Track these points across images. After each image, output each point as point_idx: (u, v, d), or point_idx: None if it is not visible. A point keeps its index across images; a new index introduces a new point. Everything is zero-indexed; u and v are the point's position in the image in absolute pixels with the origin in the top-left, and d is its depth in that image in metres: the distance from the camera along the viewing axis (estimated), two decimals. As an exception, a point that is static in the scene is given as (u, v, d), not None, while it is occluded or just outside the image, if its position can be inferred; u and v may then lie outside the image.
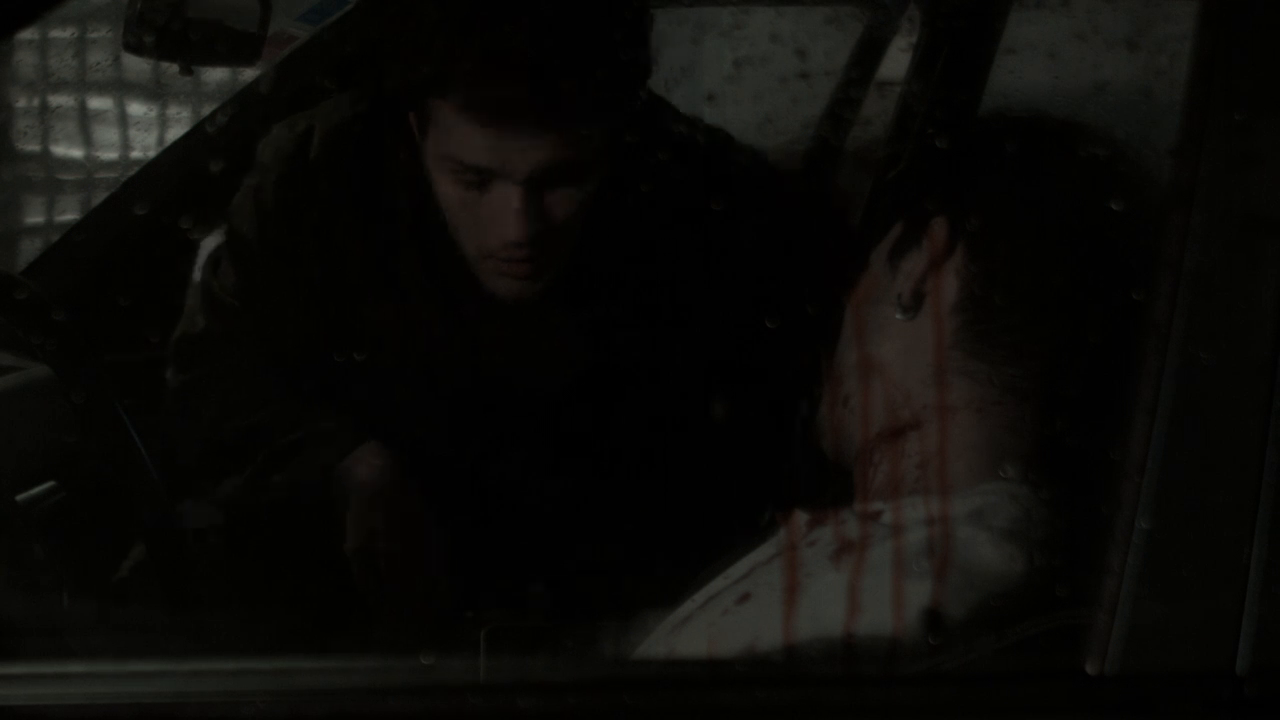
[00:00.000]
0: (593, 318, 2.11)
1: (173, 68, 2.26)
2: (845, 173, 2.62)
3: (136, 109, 4.45)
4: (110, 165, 4.44)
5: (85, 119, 4.51)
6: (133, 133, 4.43)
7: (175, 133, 4.16)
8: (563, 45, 1.90)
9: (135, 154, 4.46)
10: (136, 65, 4.15)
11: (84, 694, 1.32)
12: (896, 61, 2.64)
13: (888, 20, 2.65)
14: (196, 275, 2.33)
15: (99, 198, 2.68)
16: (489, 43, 1.88)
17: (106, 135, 4.48)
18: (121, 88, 4.45)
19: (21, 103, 4.56)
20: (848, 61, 2.61)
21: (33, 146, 4.53)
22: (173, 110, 4.40)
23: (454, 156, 1.95)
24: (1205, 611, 1.25)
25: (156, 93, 4.37)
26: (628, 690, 1.33)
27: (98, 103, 4.49)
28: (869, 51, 2.66)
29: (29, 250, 4.49)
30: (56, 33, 4.30)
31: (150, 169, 2.55)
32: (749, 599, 1.45)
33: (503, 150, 1.92)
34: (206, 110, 2.59)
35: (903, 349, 1.50)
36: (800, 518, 1.50)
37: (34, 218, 4.54)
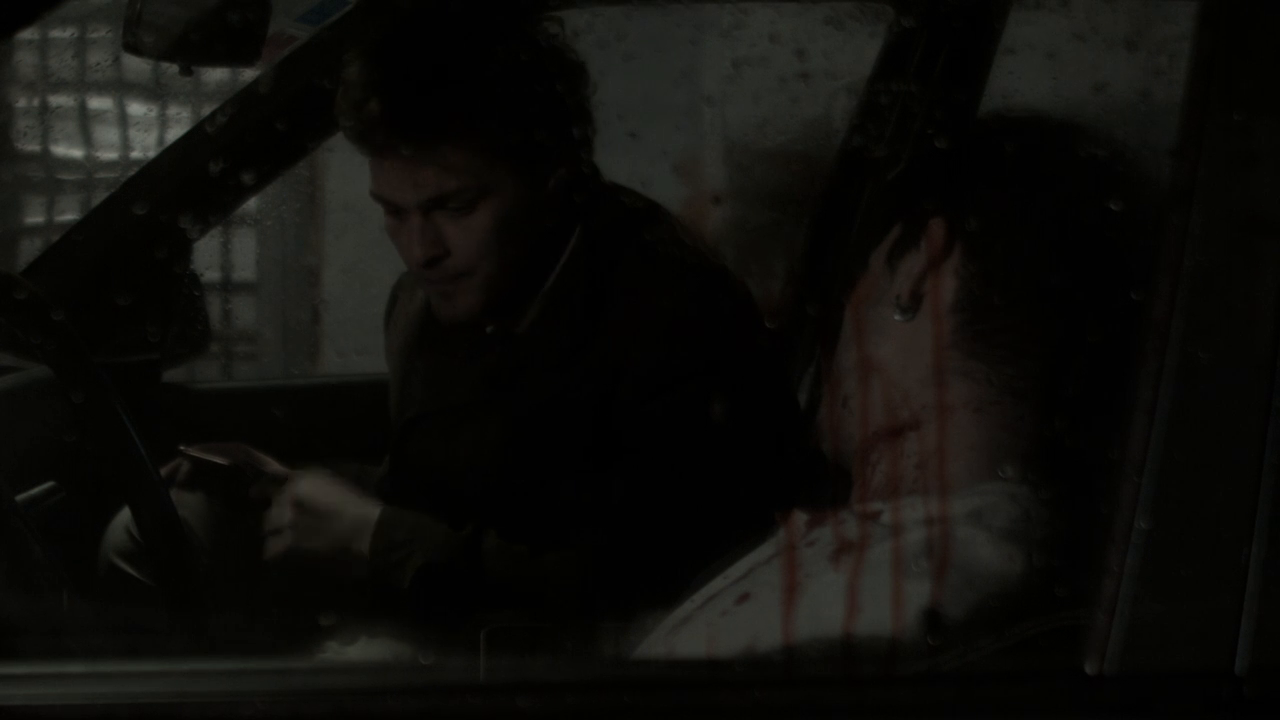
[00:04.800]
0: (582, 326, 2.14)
1: (173, 68, 2.26)
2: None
3: (136, 109, 4.45)
4: (110, 165, 4.43)
5: (85, 119, 4.50)
6: (133, 133, 4.43)
7: (175, 133, 4.15)
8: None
9: (135, 154, 4.46)
10: (136, 65, 4.15)
11: (84, 694, 1.32)
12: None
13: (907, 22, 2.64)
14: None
15: (99, 198, 2.68)
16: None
17: (106, 135, 4.48)
18: (121, 88, 4.45)
19: (21, 103, 4.56)
20: (874, 70, 2.60)
21: (33, 146, 4.53)
22: (173, 110, 4.40)
23: (372, 190, 2.15)
24: (1204, 611, 1.25)
25: (156, 93, 4.37)
26: (628, 690, 1.33)
27: (98, 103, 4.49)
28: (895, 56, 2.64)
29: (29, 250, 4.49)
30: (56, 33, 4.30)
31: (150, 169, 2.55)
32: (748, 599, 1.45)
33: (395, 182, 2.12)
34: (206, 110, 2.58)
35: (901, 349, 1.49)
36: (799, 518, 1.50)
37: (34, 218, 4.54)
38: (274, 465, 2.25)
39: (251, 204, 2.83)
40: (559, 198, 2.14)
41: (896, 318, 1.50)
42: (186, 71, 2.26)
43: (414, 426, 2.26)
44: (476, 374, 2.20)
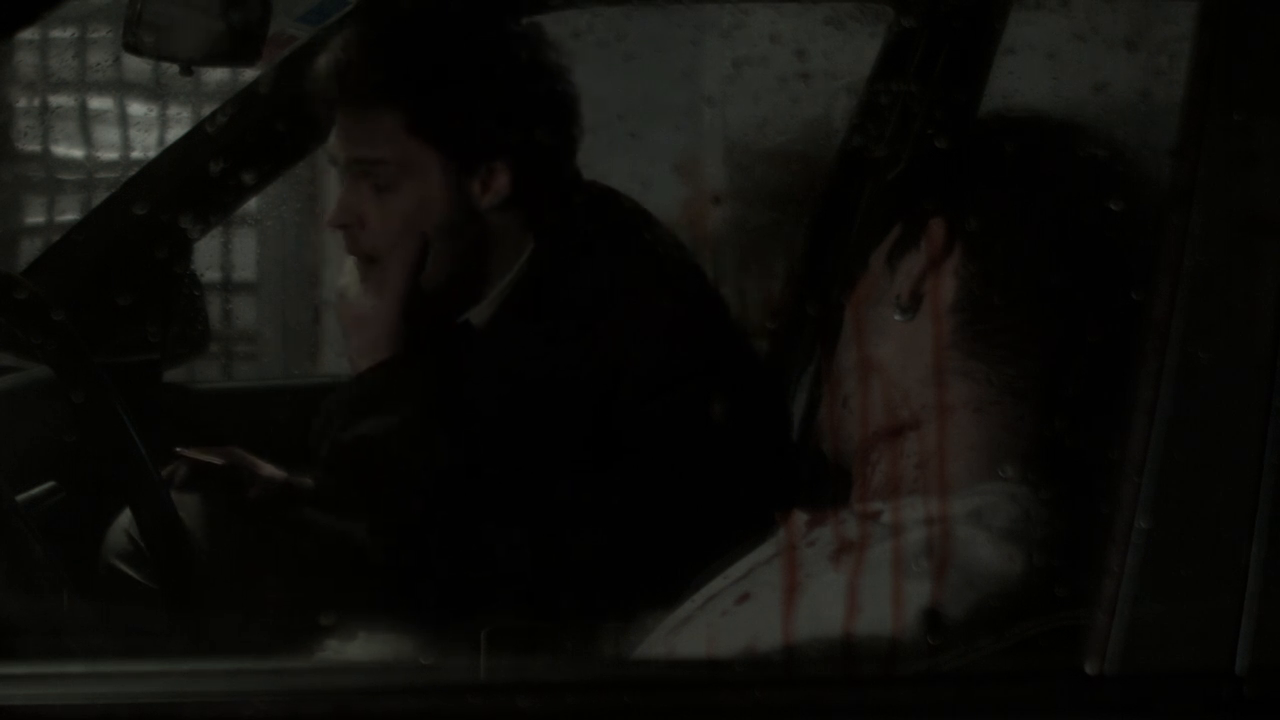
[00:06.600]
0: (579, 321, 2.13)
1: (173, 68, 2.26)
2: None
3: (136, 109, 4.45)
4: (110, 165, 4.43)
5: (85, 119, 4.50)
6: (133, 133, 4.42)
7: (175, 133, 4.15)
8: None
9: (135, 154, 4.46)
10: (136, 65, 4.14)
11: (84, 694, 1.32)
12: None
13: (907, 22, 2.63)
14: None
15: (99, 198, 2.68)
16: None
17: (106, 135, 4.48)
18: (121, 88, 4.45)
19: (21, 103, 4.56)
20: (874, 70, 2.60)
21: (33, 146, 4.53)
22: (173, 110, 4.40)
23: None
24: (1205, 611, 1.25)
25: (156, 93, 4.36)
26: (628, 690, 1.33)
27: (98, 103, 4.48)
28: (895, 56, 2.64)
29: (29, 250, 4.49)
30: (56, 33, 4.30)
31: (150, 169, 2.55)
32: (748, 599, 1.45)
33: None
34: (206, 110, 2.58)
35: (901, 349, 1.50)
36: (799, 518, 1.50)
37: (34, 218, 4.54)
38: (268, 467, 2.25)
39: (251, 204, 2.83)
40: (510, 198, 2.12)
41: (896, 318, 1.50)
42: (186, 71, 2.26)
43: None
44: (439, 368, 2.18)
